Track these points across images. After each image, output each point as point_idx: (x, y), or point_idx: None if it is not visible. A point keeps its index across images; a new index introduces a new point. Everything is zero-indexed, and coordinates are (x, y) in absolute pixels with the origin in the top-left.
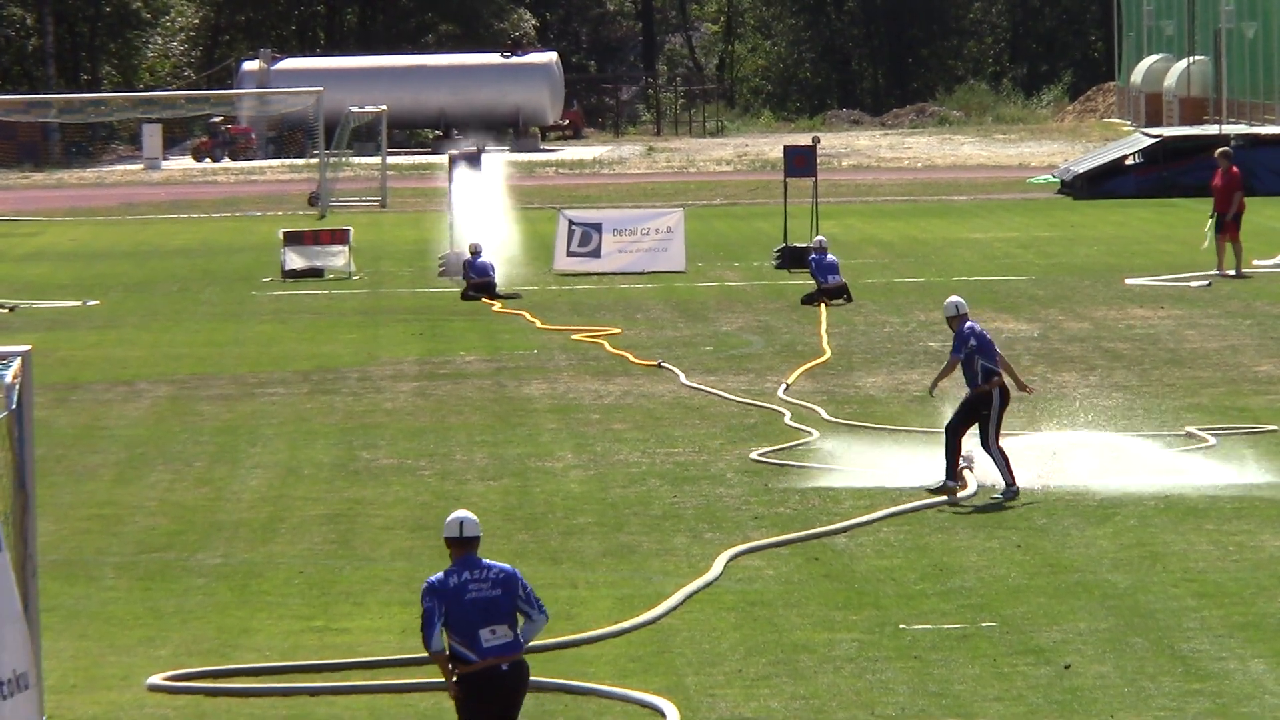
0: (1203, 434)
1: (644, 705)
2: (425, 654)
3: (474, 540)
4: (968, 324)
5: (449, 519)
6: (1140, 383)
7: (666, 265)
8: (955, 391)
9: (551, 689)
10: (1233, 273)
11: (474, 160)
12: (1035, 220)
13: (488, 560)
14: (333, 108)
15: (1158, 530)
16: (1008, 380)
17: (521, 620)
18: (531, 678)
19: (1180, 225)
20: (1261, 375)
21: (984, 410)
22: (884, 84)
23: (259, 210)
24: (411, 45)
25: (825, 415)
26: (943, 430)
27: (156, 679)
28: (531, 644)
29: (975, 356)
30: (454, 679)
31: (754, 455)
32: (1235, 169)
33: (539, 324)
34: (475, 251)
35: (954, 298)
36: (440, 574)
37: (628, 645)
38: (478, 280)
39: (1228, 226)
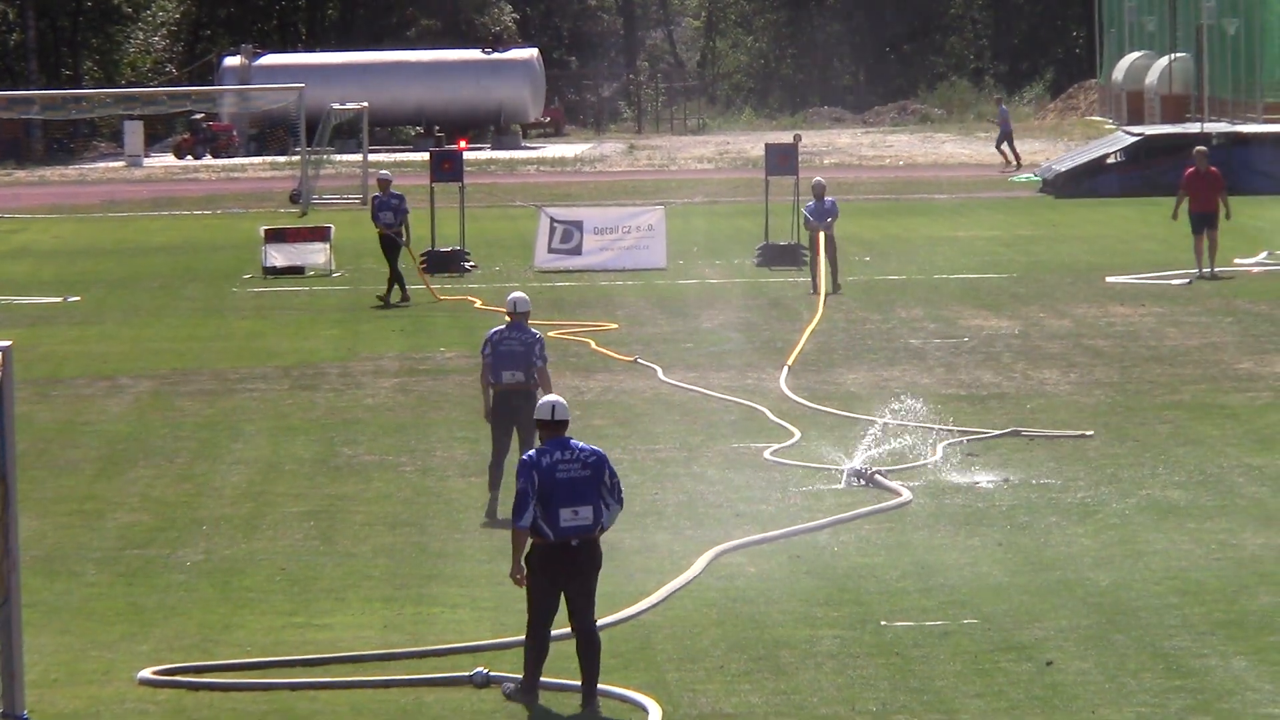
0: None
1: (626, 701)
2: (417, 647)
3: (563, 424)
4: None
5: (541, 402)
6: (1121, 380)
7: (648, 263)
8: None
9: None
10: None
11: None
12: (1017, 218)
13: (577, 442)
14: (314, 104)
15: (1139, 528)
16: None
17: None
18: (511, 674)
19: (1161, 224)
20: (1241, 372)
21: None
22: (865, 81)
23: (240, 207)
24: (392, 41)
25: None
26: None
27: (146, 673)
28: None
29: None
30: (523, 559)
31: (768, 454)
32: (1214, 168)
33: (479, 304)
34: (385, 180)
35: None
36: (534, 452)
37: (609, 642)
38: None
39: (1207, 225)
